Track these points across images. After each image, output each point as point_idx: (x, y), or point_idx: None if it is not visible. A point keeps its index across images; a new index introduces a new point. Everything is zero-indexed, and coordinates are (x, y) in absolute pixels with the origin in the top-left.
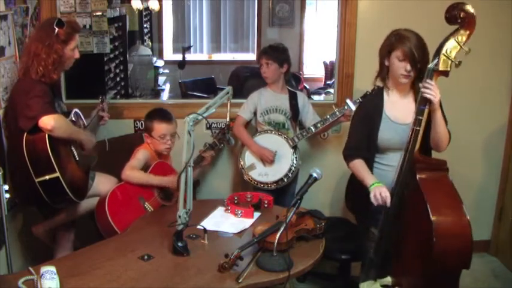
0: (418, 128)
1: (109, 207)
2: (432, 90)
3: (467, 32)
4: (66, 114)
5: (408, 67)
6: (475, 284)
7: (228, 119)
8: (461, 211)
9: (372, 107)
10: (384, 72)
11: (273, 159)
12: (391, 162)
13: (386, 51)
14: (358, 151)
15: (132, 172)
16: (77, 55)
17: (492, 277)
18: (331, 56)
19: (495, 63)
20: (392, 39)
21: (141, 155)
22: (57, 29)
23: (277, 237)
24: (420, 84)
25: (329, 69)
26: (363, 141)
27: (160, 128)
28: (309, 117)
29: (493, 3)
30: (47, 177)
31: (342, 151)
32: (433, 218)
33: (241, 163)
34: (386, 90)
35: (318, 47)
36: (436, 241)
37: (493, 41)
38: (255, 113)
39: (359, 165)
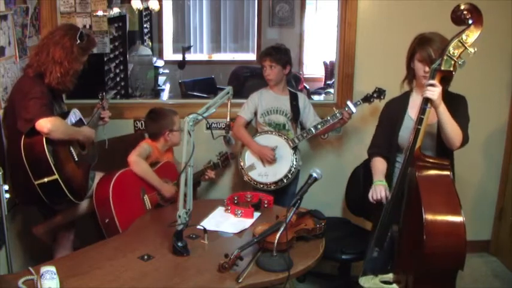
0: (419, 127)
1: (114, 186)
2: (431, 88)
3: (473, 33)
4: (65, 114)
5: (427, 69)
6: (475, 284)
7: (228, 119)
8: (456, 211)
9: (397, 108)
10: (410, 74)
11: (273, 158)
12: None
13: (410, 54)
14: (379, 149)
15: (140, 161)
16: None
17: (492, 277)
18: (331, 56)
19: (495, 63)
20: (415, 42)
21: (145, 145)
22: (79, 41)
23: (277, 237)
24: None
25: (329, 69)
26: (385, 141)
27: (178, 119)
28: (310, 118)
29: (492, 3)
30: (46, 179)
31: (367, 149)
32: (425, 216)
33: (241, 163)
34: (411, 93)
35: (318, 47)
36: (427, 239)
37: (493, 41)
38: (255, 114)
39: (377, 163)
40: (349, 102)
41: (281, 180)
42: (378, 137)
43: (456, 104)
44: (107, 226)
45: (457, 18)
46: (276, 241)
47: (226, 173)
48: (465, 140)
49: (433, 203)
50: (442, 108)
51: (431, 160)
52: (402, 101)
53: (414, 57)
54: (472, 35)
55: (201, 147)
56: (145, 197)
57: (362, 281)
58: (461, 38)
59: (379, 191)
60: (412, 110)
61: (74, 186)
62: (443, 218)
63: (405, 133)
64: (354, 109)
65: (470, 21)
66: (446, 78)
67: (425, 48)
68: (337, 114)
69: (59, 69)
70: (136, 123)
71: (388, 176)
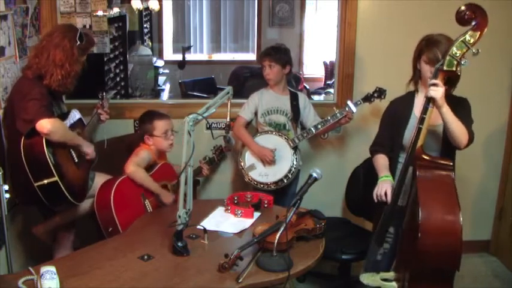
0: (420, 126)
1: (114, 196)
2: (434, 88)
3: (477, 33)
4: (65, 115)
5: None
6: (475, 284)
7: (228, 119)
8: (453, 211)
9: (401, 107)
10: (416, 75)
11: (272, 159)
12: None
13: (417, 54)
14: (382, 148)
15: (138, 170)
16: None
17: (492, 277)
18: (331, 56)
19: (495, 63)
20: (422, 44)
21: (145, 154)
22: (78, 42)
23: (277, 237)
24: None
25: (329, 69)
26: (388, 140)
27: (162, 125)
28: (310, 118)
29: (493, 3)
30: (45, 181)
31: (369, 147)
32: (420, 214)
33: (242, 163)
34: (417, 93)
35: (318, 47)
36: (421, 236)
37: (493, 42)
38: (255, 114)
39: (379, 160)
40: (349, 102)
41: (281, 180)
42: (381, 136)
43: (461, 107)
44: (110, 234)
45: (461, 18)
46: (276, 241)
47: (226, 172)
48: (471, 138)
49: (430, 201)
50: (446, 109)
51: (432, 160)
52: (407, 101)
53: (421, 58)
54: (475, 36)
55: (201, 147)
56: (147, 202)
57: (363, 277)
58: (465, 39)
59: (384, 188)
60: (418, 110)
61: (74, 188)
62: (439, 217)
63: (410, 133)
64: (354, 109)
65: (474, 22)
66: (451, 80)
67: (433, 50)
68: (338, 114)
69: (60, 71)
70: (136, 123)
71: (391, 175)
